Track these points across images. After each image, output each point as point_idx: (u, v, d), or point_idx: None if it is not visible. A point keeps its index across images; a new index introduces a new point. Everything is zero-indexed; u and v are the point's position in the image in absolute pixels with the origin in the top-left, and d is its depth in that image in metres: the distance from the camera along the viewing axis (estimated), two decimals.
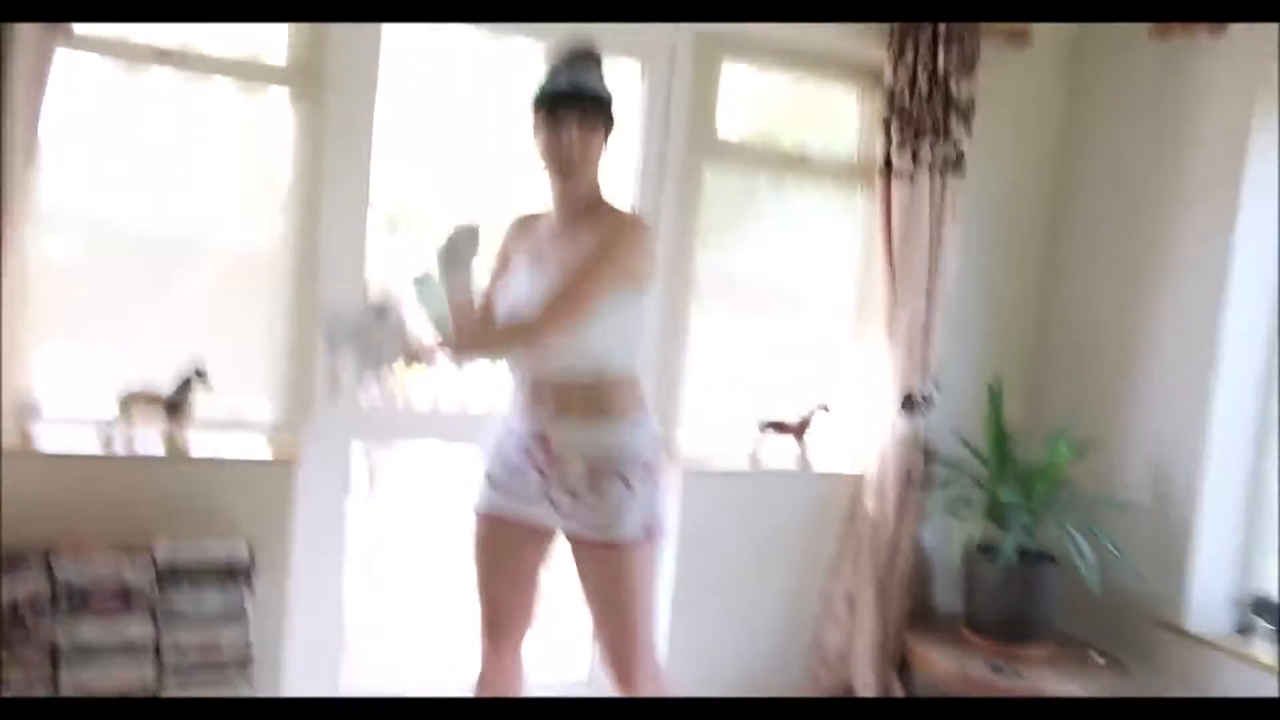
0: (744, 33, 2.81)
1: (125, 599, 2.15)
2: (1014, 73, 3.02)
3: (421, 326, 1.94)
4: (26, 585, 2.09)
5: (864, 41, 2.82)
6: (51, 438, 2.28)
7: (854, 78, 3.01)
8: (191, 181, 2.43)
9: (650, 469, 1.92)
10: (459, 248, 1.88)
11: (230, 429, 2.49)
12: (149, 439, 2.33)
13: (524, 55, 2.55)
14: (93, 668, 2.13)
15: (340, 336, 1.82)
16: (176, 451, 2.32)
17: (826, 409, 2.96)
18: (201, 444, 2.37)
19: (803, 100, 3.02)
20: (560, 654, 2.94)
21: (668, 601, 2.80)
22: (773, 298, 3.03)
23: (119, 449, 2.29)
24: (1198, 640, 2.65)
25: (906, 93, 2.79)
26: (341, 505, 2.64)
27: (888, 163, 2.83)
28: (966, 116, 2.84)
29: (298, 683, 2.51)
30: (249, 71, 2.43)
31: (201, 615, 2.20)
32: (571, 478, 1.90)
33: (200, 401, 2.36)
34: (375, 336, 1.82)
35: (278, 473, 2.40)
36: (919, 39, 2.78)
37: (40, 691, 2.09)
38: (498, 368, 2.09)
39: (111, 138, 2.36)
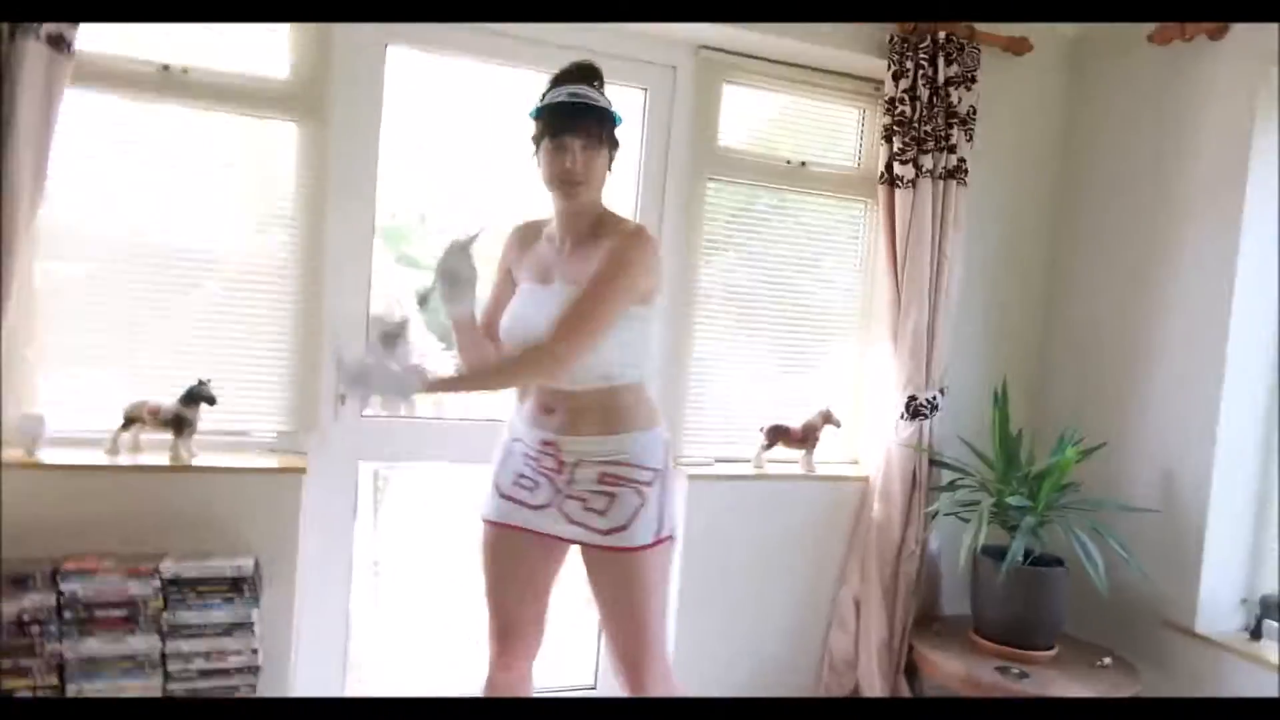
0: (745, 47, 2.83)
1: (131, 613, 2.15)
2: (1014, 80, 3.03)
3: (430, 344, 1.93)
4: (33, 599, 2.09)
5: (864, 52, 2.83)
6: (58, 454, 2.28)
7: (854, 89, 3.02)
8: (197, 200, 2.43)
9: (661, 475, 1.92)
10: (457, 273, 1.88)
11: (236, 445, 2.50)
12: (155, 454, 2.34)
13: (526, 84, 2.55)
14: (99, 681, 2.14)
15: (353, 378, 1.73)
16: (182, 466, 2.33)
17: (838, 424, 2.96)
18: (207, 459, 2.37)
19: (804, 112, 3.02)
20: (566, 660, 2.94)
21: (674, 607, 2.80)
22: (776, 308, 3.03)
23: (125, 463, 2.29)
24: (1207, 641, 2.64)
25: (907, 102, 2.81)
26: (348, 518, 2.64)
27: (890, 172, 2.85)
28: (967, 124, 2.85)
29: (304, 695, 2.51)
30: (253, 91, 2.44)
31: (208, 629, 2.20)
32: (582, 485, 1.90)
33: (206, 417, 2.36)
34: (389, 371, 1.74)
35: (284, 486, 2.40)
36: (918, 48, 2.79)
37: None
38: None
39: (117, 158, 2.36)
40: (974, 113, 2.86)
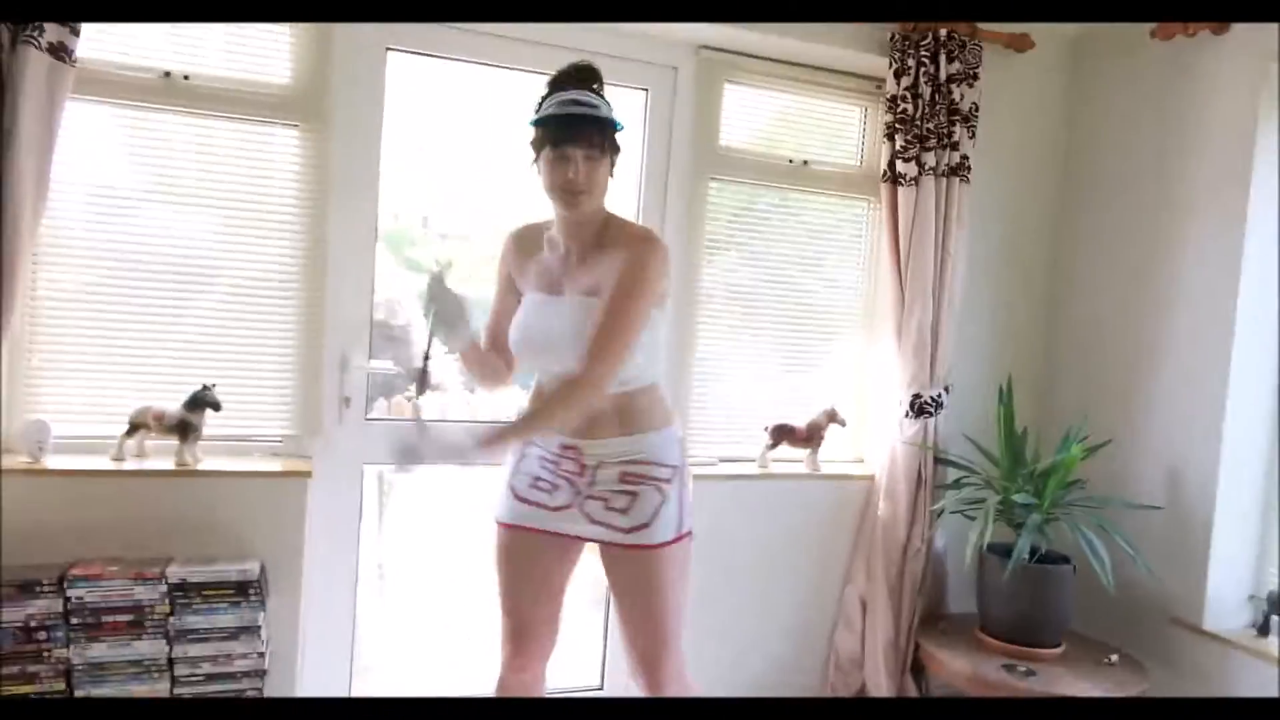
0: (745, 46, 2.82)
1: (138, 618, 2.16)
2: (1016, 77, 3.03)
3: (436, 349, 1.93)
4: (40, 605, 2.10)
5: (865, 51, 2.83)
6: (63, 460, 2.29)
7: (856, 87, 3.02)
8: (199, 206, 2.44)
9: (679, 472, 1.95)
10: (443, 313, 1.89)
11: (241, 449, 2.50)
12: (160, 459, 2.35)
13: (527, 86, 2.55)
14: (106, 686, 2.15)
15: (407, 454, 1.75)
16: (187, 471, 2.33)
17: (842, 423, 2.96)
18: (212, 464, 2.38)
19: (805, 111, 3.02)
20: (573, 661, 2.94)
21: None
22: (780, 307, 3.02)
23: (130, 468, 2.30)
24: (1214, 638, 2.64)
25: (909, 100, 2.80)
26: (353, 522, 2.65)
27: (893, 170, 2.84)
28: (970, 122, 2.85)
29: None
30: (254, 98, 2.44)
31: (214, 633, 2.21)
32: (603, 485, 1.91)
33: (211, 421, 2.37)
34: (443, 441, 1.77)
35: (289, 490, 2.41)
36: (920, 46, 2.78)
37: None
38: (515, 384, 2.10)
39: (120, 165, 2.37)
40: (976, 110, 2.86)
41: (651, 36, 2.74)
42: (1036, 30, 2.98)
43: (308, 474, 2.43)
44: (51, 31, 2.08)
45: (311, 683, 2.56)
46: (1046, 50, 3.04)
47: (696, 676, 2.06)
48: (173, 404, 2.35)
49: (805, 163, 3.00)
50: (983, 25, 2.85)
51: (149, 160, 2.40)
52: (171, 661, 2.18)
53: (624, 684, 2.03)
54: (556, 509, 1.95)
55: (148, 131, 2.39)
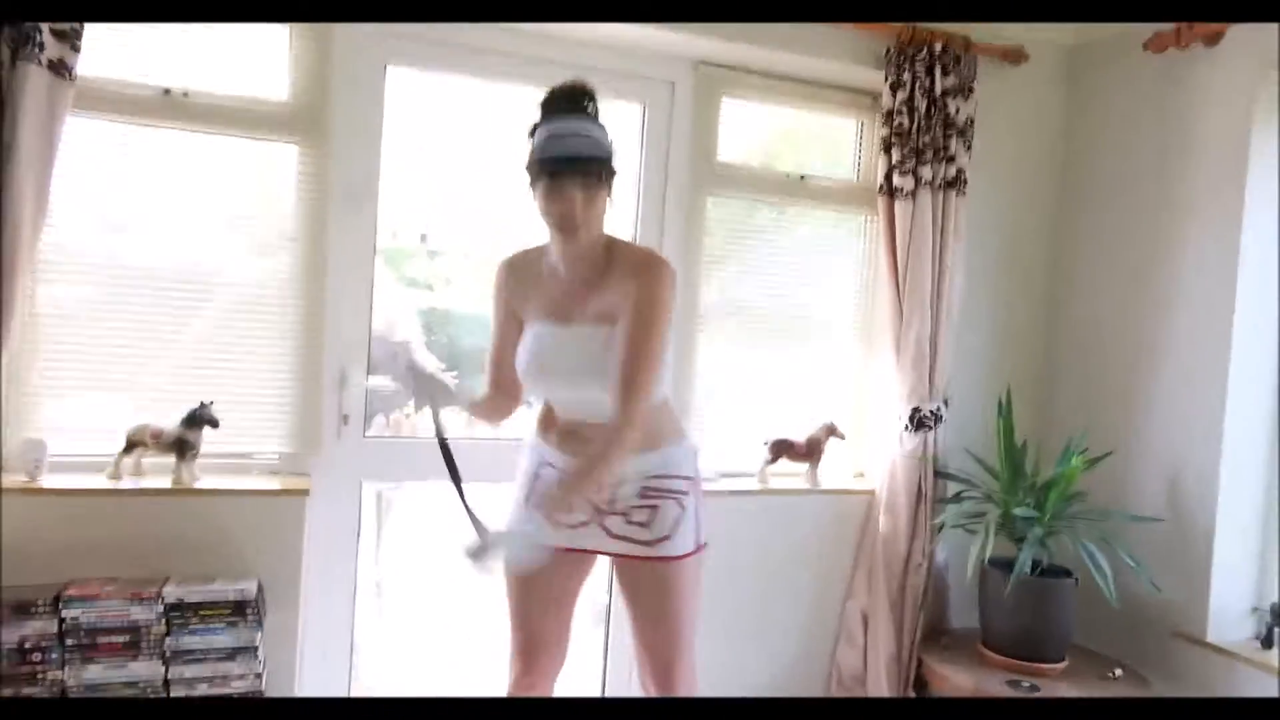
0: (742, 61, 2.84)
1: (134, 639, 2.13)
2: (1011, 89, 3.04)
3: (433, 363, 1.93)
4: (35, 626, 2.08)
5: (861, 66, 2.84)
6: (60, 479, 2.27)
7: (852, 101, 3.03)
8: (198, 223, 2.43)
9: (694, 484, 1.98)
10: (423, 390, 1.92)
11: (239, 467, 2.49)
12: (157, 477, 2.33)
13: (526, 101, 2.55)
14: None
15: (486, 553, 1.74)
16: (185, 489, 2.32)
17: (842, 437, 2.95)
18: (210, 482, 2.37)
19: (802, 125, 3.03)
20: (574, 674, 2.91)
21: None
22: (778, 321, 3.03)
23: (127, 487, 2.28)
24: (1218, 651, 2.62)
25: (905, 114, 2.81)
26: (351, 540, 2.63)
27: (890, 183, 2.85)
28: (965, 135, 2.86)
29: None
30: (254, 114, 2.44)
31: (211, 654, 2.19)
32: (624, 501, 1.92)
33: (208, 439, 2.36)
34: (519, 533, 1.81)
35: (287, 508, 2.39)
36: (915, 60, 2.80)
37: None
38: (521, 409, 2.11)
39: (119, 181, 2.37)
40: (972, 123, 2.87)
41: (649, 52, 2.76)
42: (1031, 43, 3.00)
43: (306, 492, 2.42)
44: (52, 48, 2.09)
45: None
46: (1041, 63, 3.06)
47: (698, 692, 2.06)
48: (170, 422, 2.33)
49: (802, 177, 3.01)
50: (977, 39, 2.87)
51: (148, 176, 2.39)
52: (168, 683, 2.16)
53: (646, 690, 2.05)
54: (575, 526, 1.95)
55: (147, 148, 2.39)
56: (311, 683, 2.54)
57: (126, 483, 2.30)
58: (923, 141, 2.82)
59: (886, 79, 2.83)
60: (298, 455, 2.53)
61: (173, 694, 2.16)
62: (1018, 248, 3.15)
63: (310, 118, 2.48)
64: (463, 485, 1.87)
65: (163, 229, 2.41)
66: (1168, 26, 2.73)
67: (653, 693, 2.02)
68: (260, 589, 2.28)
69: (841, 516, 3.00)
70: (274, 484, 2.44)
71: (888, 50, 2.82)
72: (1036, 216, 3.17)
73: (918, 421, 2.88)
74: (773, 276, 3.01)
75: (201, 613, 2.19)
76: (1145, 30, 2.80)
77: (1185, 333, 2.76)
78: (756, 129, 3.00)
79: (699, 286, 2.91)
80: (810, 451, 2.95)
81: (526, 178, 1.85)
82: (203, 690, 2.18)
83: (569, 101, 1.84)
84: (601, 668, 2.92)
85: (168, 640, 2.16)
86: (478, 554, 1.72)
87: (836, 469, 3.06)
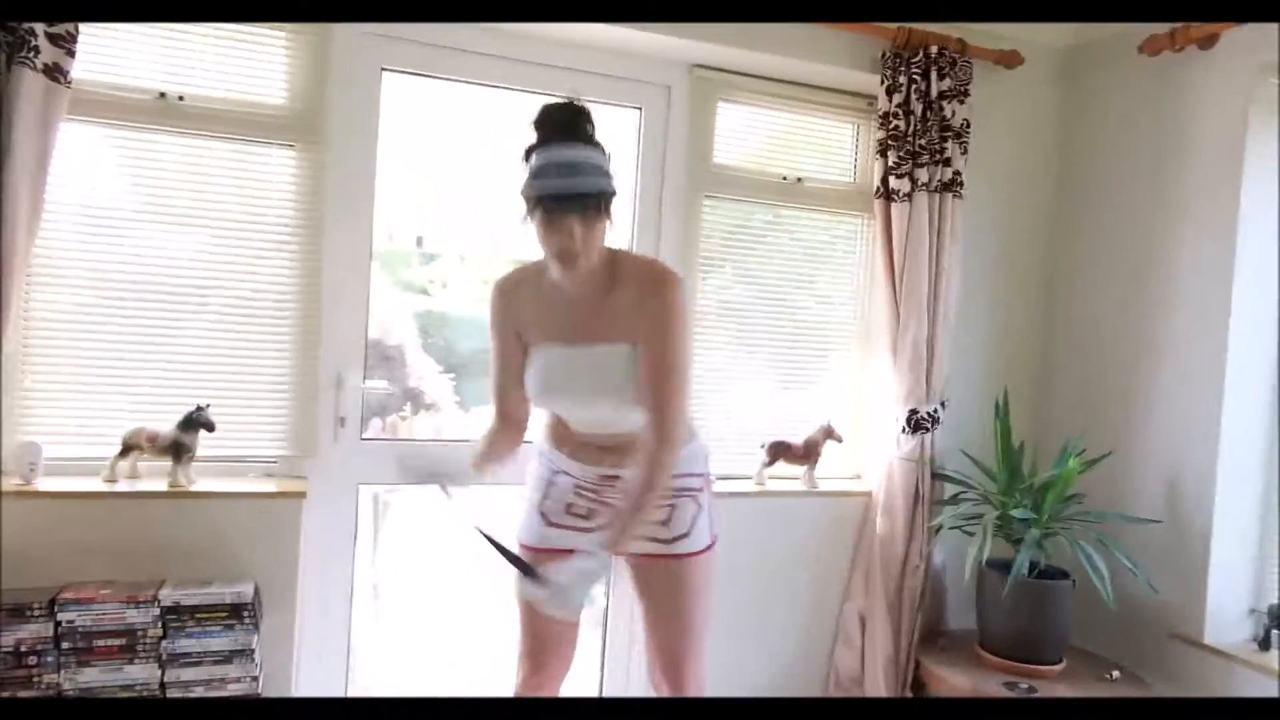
0: (739, 65, 2.84)
1: (130, 642, 2.13)
2: (1007, 92, 3.05)
3: (429, 366, 1.92)
4: (31, 629, 2.07)
5: (857, 69, 2.85)
6: (56, 482, 2.27)
7: (848, 104, 3.04)
8: (194, 227, 2.43)
9: (707, 480, 2.03)
10: (432, 473, 1.91)
11: (235, 470, 2.49)
12: (154, 481, 2.33)
13: (522, 106, 2.55)
14: None
15: (562, 598, 1.72)
16: (181, 492, 2.32)
17: (839, 439, 2.95)
18: (206, 485, 2.37)
19: (798, 128, 3.04)
20: (572, 680, 2.91)
21: None
22: (775, 323, 3.03)
23: (123, 490, 2.28)
24: (1215, 652, 2.62)
25: (901, 117, 2.82)
26: (348, 543, 2.63)
27: (886, 186, 2.85)
28: (961, 138, 2.86)
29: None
30: (250, 118, 2.44)
31: (207, 657, 2.18)
32: None
33: (205, 442, 2.36)
34: (580, 568, 1.74)
35: (284, 511, 2.39)
36: (910, 63, 2.81)
37: None
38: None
39: (114, 186, 2.37)
40: (968, 126, 2.88)
41: (645, 56, 2.76)
42: (1026, 46, 3.00)
43: (302, 494, 2.42)
44: (47, 52, 2.09)
45: None
46: (1036, 66, 3.07)
47: (707, 690, 2.09)
48: (166, 425, 2.33)
49: (799, 180, 3.01)
50: (972, 42, 2.87)
51: (144, 181, 2.40)
52: (164, 686, 2.16)
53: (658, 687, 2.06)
54: (589, 529, 1.95)
55: (142, 152, 2.39)
56: (308, 685, 2.54)
57: (122, 486, 2.30)
58: (919, 144, 2.83)
59: (882, 82, 2.83)
60: (294, 458, 2.53)
61: (169, 697, 2.16)
62: (1014, 250, 3.16)
63: (306, 122, 2.49)
64: (513, 555, 1.83)
65: (159, 233, 2.41)
66: (1163, 29, 2.74)
67: (664, 690, 2.04)
68: (257, 592, 2.28)
69: (839, 518, 3.00)
70: (270, 487, 2.43)
71: (883, 54, 2.82)
72: (1033, 219, 3.18)
73: (915, 423, 2.88)
74: (769, 279, 3.02)
75: (198, 616, 2.18)
76: (1140, 33, 2.81)
77: (1182, 334, 2.76)
78: (753, 132, 3.01)
79: (696, 290, 2.91)
80: (808, 453, 2.95)
81: (523, 206, 1.77)
82: (199, 693, 2.18)
83: (565, 127, 1.75)
84: (599, 669, 2.91)
85: (164, 643, 2.15)
86: (548, 604, 1.71)
87: (834, 471, 3.06)
